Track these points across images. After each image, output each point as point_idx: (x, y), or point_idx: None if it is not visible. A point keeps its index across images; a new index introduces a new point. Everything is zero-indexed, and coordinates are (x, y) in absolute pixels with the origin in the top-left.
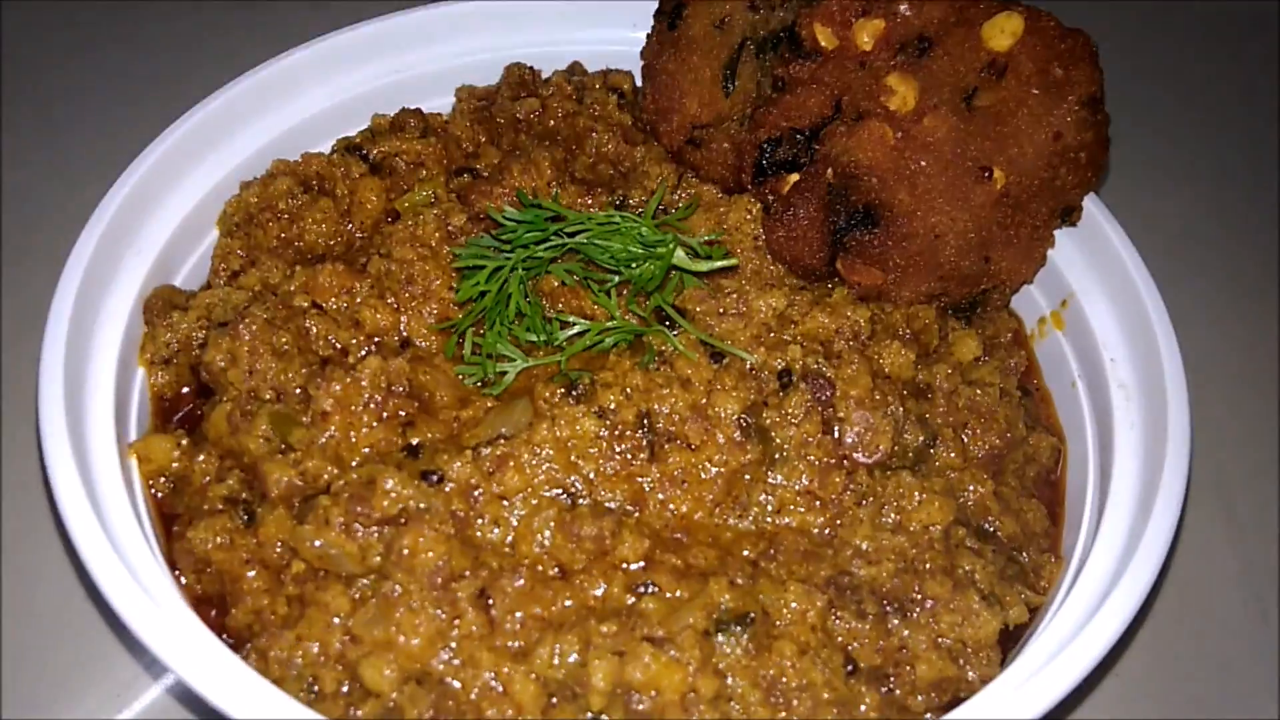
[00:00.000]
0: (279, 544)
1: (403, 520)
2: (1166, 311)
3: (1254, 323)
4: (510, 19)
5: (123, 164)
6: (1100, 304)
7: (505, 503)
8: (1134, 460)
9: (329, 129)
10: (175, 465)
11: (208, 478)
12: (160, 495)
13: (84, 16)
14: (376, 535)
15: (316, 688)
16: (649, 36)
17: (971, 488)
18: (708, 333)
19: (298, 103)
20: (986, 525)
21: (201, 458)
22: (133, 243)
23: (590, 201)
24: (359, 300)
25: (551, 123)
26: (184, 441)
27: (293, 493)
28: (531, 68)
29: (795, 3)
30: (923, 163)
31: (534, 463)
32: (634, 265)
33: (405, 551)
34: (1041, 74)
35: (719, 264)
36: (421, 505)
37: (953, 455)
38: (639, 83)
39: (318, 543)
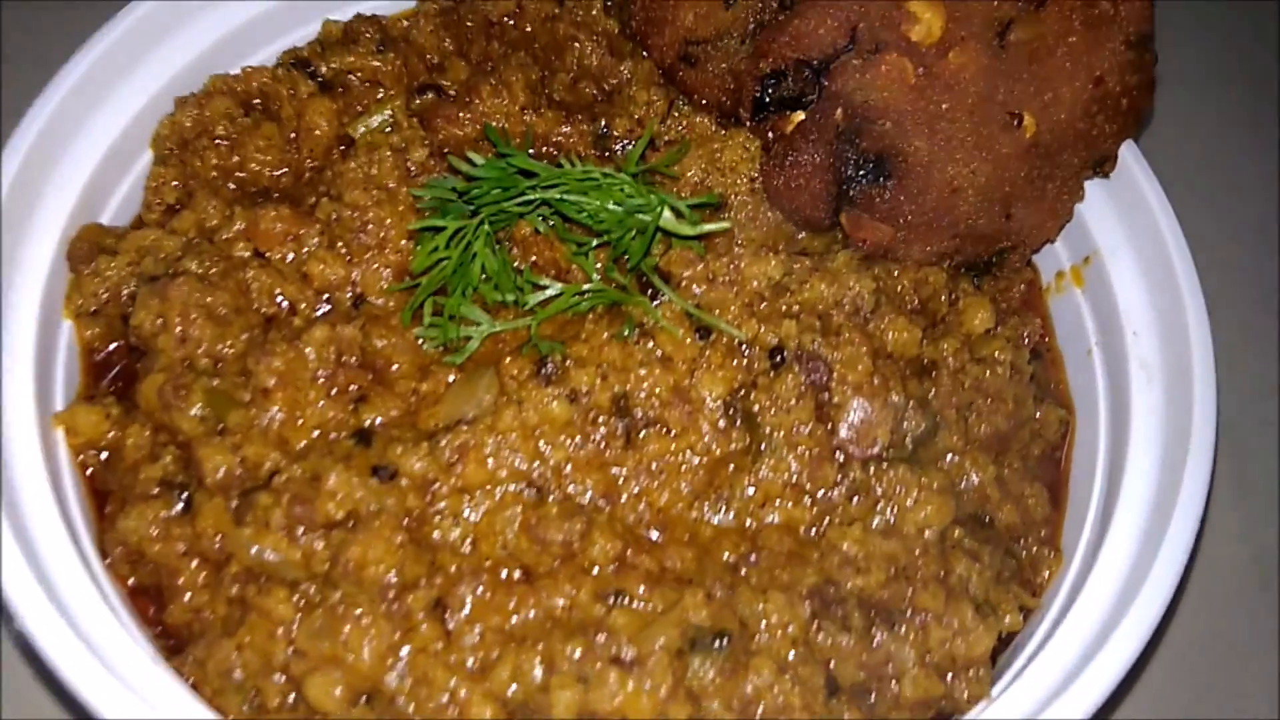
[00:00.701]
0: (219, 535)
1: (351, 524)
2: (1200, 285)
3: None
4: None
5: (38, 83)
6: (1127, 267)
7: (466, 497)
8: (1151, 454)
9: (276, 30)
10: (107, 437)
11: (140, 455)
12: (91, 470)
13: None
14: (322, 542)
15: (258, 701)
16: None
17: (972, 472)
18: (694, 302)
19: (232, 6)
20: (984, 514)
21: (134, 430)
22: (52, 175)
23: (569, 130)
24: (306, 250)
25: (529, 28)
26: (114, 411)
27: (231, 483)
28: None
29: None
30: (945, 106)
31: (498, 452)
32: (614, 229)
33: (352, 564)
34: (1087, 6)
35: (709, 228)
36: (372, 507)
37: (954, 438)
38: None
39: (257, 549)
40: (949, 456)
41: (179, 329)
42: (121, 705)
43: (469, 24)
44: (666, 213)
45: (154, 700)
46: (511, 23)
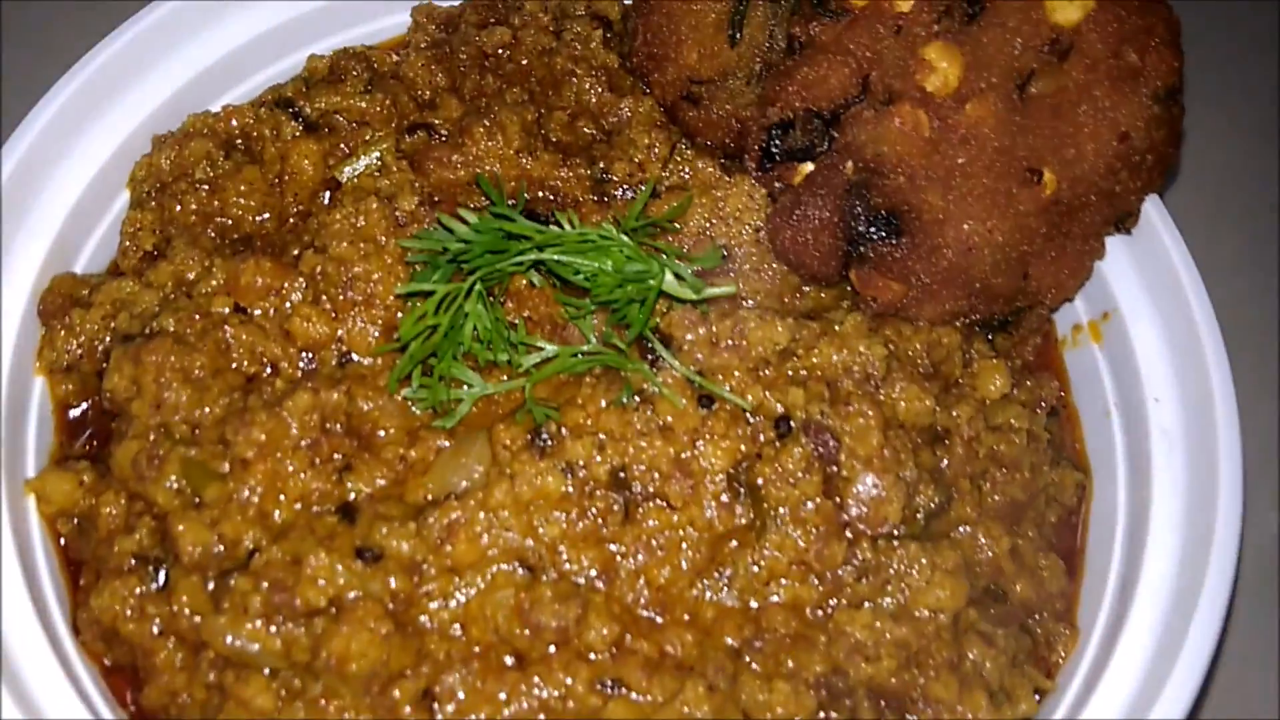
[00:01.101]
0: (195, 614)
1: (334, 610)
2: (1226, 352)
3: None
4: None
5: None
6: (1148, 327)
7: (455, 578)
8: (1174, 531)
9: (259, 61)
10: (80, 505)
11: (115, 525)
12: (65, 539)
13: None
14: (303, 629)
15: None
16: None
17: (986, 545)
18: (696, 368)
19: (221, 32)
20: (998, 588)
21: (109, 498)
22: (24, 221)
23: (566, 174)
24: (289, 305)
25: (525, 61)
26: (87, 478)
27: (208, 561)
28: None
29: None
30: (961, 160)
31: (489, 530)
32: (613, 293)
33: (334, 659)
34: (1113, 59)
35: (713, 292)
36: (356, 594)
37: (968, 509)
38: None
39: (233, 640)
40: (962, 528)
41: (154, 394)
42: None
43: (462, 56)
44: (668, 276)
45: None
46: (506, 55)
